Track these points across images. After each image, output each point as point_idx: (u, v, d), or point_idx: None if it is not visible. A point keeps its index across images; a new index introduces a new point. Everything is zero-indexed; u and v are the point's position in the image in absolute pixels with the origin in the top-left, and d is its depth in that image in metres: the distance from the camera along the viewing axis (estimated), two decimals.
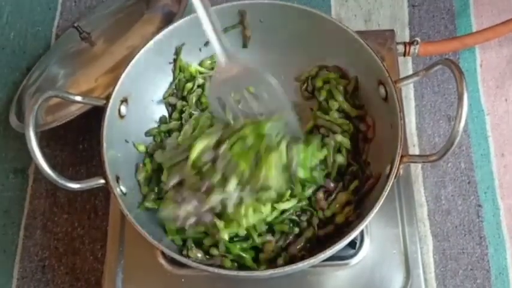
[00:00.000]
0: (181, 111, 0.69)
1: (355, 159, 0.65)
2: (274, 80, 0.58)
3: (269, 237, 0.60)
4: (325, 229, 0.61)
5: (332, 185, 0.62)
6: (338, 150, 0.64)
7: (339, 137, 0.64)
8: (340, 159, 0.64)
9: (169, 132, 0.68)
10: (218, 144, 0.58)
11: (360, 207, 0.61)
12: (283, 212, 0.61)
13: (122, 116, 0.62)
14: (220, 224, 0.58)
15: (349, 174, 0.64)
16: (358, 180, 0.62)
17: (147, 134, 0.67)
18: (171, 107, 0.70)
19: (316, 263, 0.55)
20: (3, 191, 0.79)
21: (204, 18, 0.56)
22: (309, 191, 0.62)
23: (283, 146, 0.58)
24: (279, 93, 0.59)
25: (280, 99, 0.59)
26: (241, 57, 0.59)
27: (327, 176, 0.63)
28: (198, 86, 0.70)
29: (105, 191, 0.71)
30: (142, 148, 0.66)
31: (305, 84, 0.71)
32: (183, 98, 0.69)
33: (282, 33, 0.68)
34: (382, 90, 0.61)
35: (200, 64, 0.70)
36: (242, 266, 0.60)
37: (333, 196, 0.62)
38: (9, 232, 0.76)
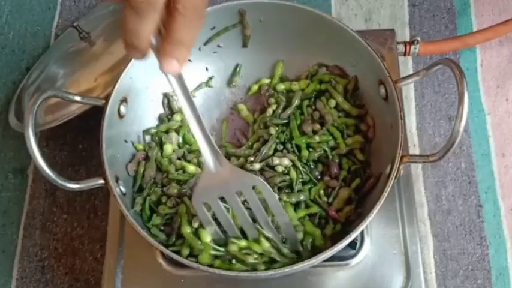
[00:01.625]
0: (181, 111, 0.69)
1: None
2: (267, 185, 0.55)
3: None
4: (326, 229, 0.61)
5: (335, 170, 0.63)
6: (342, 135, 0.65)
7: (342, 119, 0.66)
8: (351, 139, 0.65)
9: (167, 132, 0.68)
10: None
11: (360, 207, 0.61)
12: None
13: (121, 116, 0.62)
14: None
15: (351, 172, 0.63)
16: (359, 179, 0.62)
17: (146, 133, 0.67)
18: (171, 107, 0.70)
19: (317, 263, 0.54)
20: (2, 191, 0.78)
21: (193, 125, 0.51)
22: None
23: None
24: (274, 197, 0.55)
25: (276, 203, 0.56)
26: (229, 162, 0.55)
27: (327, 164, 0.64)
28: None
29: (105, 191, 0.71)
30: (141, 148, 0.65)
31: None
32: None
33: (282, 33, 0.67)
34: (382, 90, 0.61)
35: None
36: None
37: (335, 191, 0.62)
38: (8, 232, 0.76)
